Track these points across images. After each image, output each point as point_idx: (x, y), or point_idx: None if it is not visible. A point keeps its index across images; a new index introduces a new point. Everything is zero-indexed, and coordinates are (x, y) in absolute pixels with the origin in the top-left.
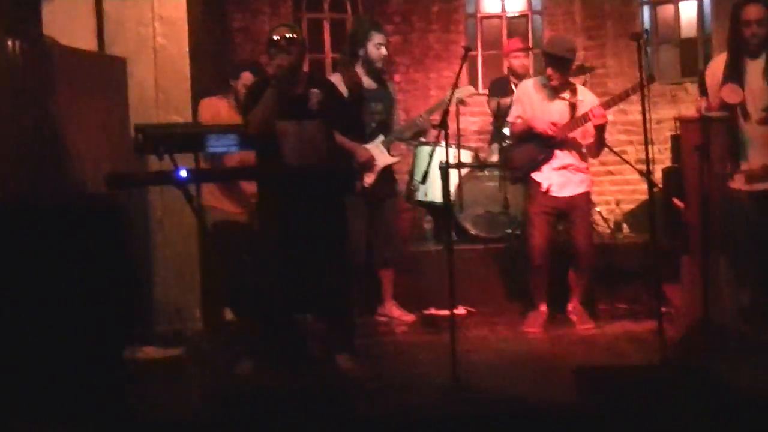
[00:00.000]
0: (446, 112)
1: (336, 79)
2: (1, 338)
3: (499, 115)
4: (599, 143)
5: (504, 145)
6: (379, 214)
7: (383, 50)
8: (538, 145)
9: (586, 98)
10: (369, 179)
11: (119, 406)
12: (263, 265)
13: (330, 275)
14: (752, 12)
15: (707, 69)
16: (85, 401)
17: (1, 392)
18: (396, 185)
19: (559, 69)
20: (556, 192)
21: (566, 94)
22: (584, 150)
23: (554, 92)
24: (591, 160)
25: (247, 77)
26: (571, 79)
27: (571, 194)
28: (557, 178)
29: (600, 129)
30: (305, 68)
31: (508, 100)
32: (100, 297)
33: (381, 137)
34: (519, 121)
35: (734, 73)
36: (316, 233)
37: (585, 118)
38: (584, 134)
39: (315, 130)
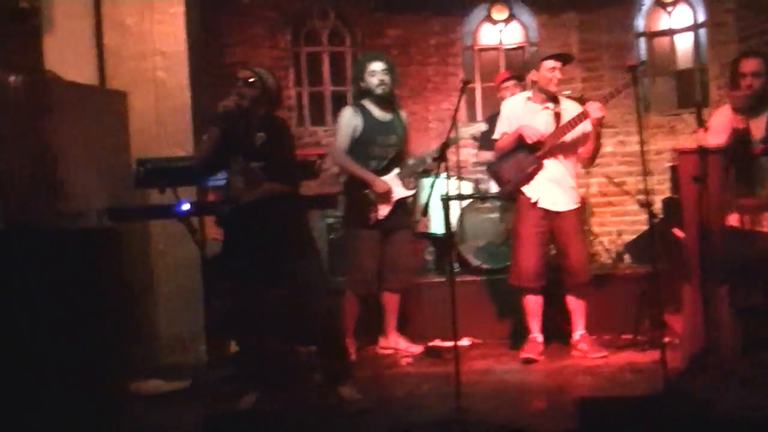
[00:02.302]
0: (446, 145)
1: (348, 112)
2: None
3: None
4: (597, 144)
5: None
6: (390, 245)
7: (377, 77)
8: (526, 156)
9: (569, 107)
10: (383, 211)
11: None
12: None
13: (308, 304)
14: (749, 64)
15: (712, 120)
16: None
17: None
18: (410, 217)
19: (564, 64)
20: (546, 205)
21: (550, 104)
22: (574, 165)
23: (539, 104)
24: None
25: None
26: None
27: (562, 209)
28: (547, 191)
29: (598, 127)
30: (264, 109)
31: None
32: (98, 327)
33: (397, 169)
34: (504, 137)
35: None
36: (284, 263)
37: (580, 117)
38: (583, 140)
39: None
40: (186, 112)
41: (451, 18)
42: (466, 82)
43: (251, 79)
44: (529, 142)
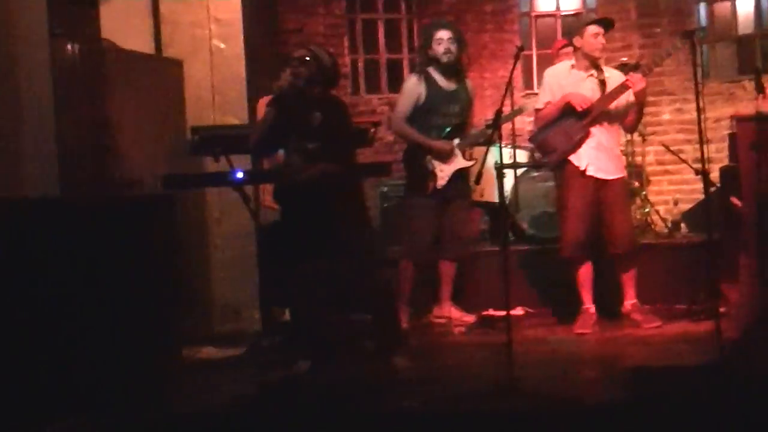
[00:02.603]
0: (499, 113)
1: (412, 80)
2: (52, 329)
3: None
4: (639, 115)
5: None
6: (448, 214)
7: (444, 46)
8: (572, 124)
9: (613, 74)
10: (441, 181)
11: (172, 401)
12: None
13: (363, 273)
14: None
15: None
16: (135, 396)
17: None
18: (468, 187)
19: (606, 30)
20: (594, 173)
21: (594, 72)
22: (618, 133)
23: (583, 72)
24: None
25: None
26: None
27: (610, 177)
28: (595, 158)
29: (640, 97)
30: (320, 88)
31: None
32: (152, 294)
33: (457, 140)
34: (549, 106)
35: None
36: (339, 235)
37: (623, 87)
38: (625, 109)
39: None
40: (241, 80)
41: None
42: (520, 49)
43: (306, 58)
44: (579, 109)
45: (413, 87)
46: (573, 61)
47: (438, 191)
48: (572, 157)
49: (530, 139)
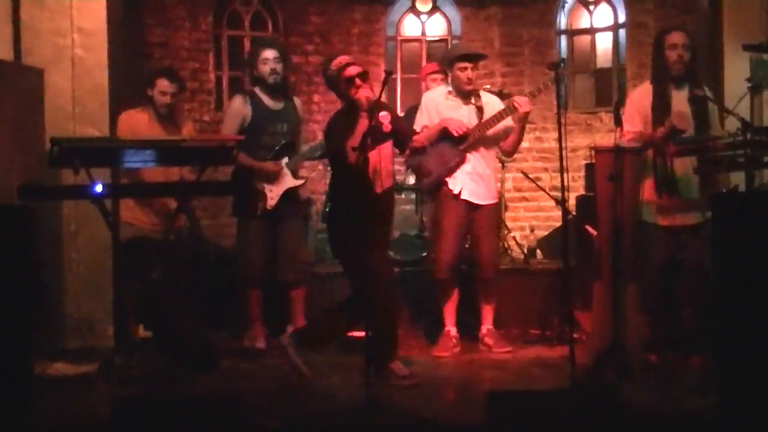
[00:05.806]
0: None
1: (238, 100)
2: None
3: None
4: (520, 137)
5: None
6: (281, 236)
7: (269, 66)
8: (449, 149)
9: (491, 101)
10: (272, 201)
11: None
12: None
13: None
14: (676, 37)
15: (629, 99)
16: None
17: None
18: (299, 207)
19: (474, 65)
20: (468, 197)
21: (472, 99)
22: (494, 159)
23: (460, 99)
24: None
25: (162, 84)
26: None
27: (483, 202)
28: (470, 183)
29: (523, 121)
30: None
31: None
32: (7, 309)
33: (285, 159)
34: (426, 130)
35: (663, 102)
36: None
37: (507, 110)
38: (504, 132)
39: None
40: (103, 91)
41: (375, 7)
42: (389, 74)
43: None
44: (455, 135)
45: (238, 108)
46: (450, 88)
47: (268, 212)
48: (448, 180)
49: (406, 162)
